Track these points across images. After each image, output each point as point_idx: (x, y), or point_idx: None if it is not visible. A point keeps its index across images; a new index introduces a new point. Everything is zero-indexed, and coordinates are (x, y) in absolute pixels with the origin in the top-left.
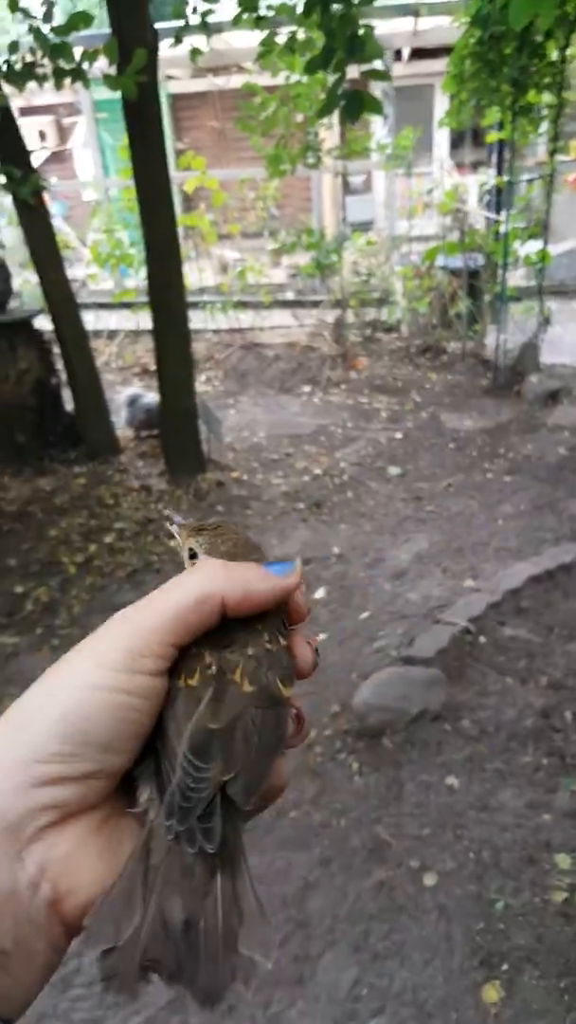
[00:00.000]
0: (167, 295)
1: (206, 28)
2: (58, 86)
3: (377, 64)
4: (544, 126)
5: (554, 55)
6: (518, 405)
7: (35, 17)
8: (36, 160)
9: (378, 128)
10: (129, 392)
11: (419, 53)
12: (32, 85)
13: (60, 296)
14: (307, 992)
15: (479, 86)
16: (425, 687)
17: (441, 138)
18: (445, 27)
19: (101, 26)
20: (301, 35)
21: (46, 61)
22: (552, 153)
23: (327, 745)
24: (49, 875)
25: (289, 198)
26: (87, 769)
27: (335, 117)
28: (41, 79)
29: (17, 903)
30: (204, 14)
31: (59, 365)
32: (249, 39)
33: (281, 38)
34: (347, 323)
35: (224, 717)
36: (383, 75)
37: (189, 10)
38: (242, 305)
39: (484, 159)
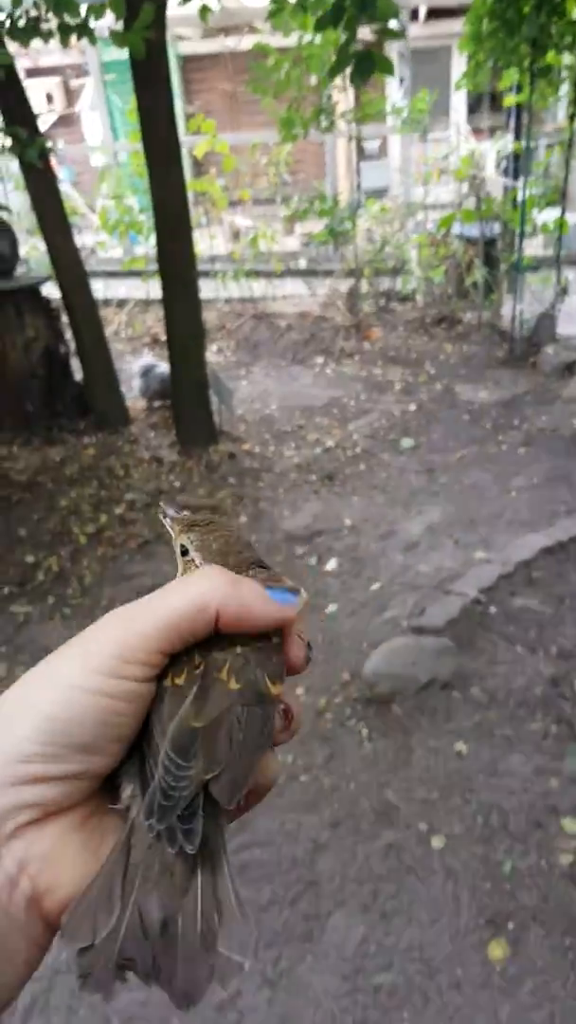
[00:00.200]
0: (177, 262)
1: None
2: (64, 43)
3: (391, 23)
4: (564, 89)
5: (575, 14)
6: (534, 377)
7: None
8: (43, 123)
9: (393, 91)
10: (143, 362)
11: (436, 13)
12: (38, 44)
13: (68, 263)
14: (316, 949)
15: (496, 46)
16: (435, 656)
17: (458, 102)
18: None
19: None
20: None
21: (51, 16)
22: (572, 117)
23: (337, 712)
24: (29, 872)
25: (303, 163)
26: (70, 770)
27: (348, 79)
28: (46, 35)
29: None
30: None
31: (67, 334)
32: None
33: None
34: (361, 293)
35: (208, 715)
36: (397, 34)
37: None
38: (254, 274)
39: (502, 124)
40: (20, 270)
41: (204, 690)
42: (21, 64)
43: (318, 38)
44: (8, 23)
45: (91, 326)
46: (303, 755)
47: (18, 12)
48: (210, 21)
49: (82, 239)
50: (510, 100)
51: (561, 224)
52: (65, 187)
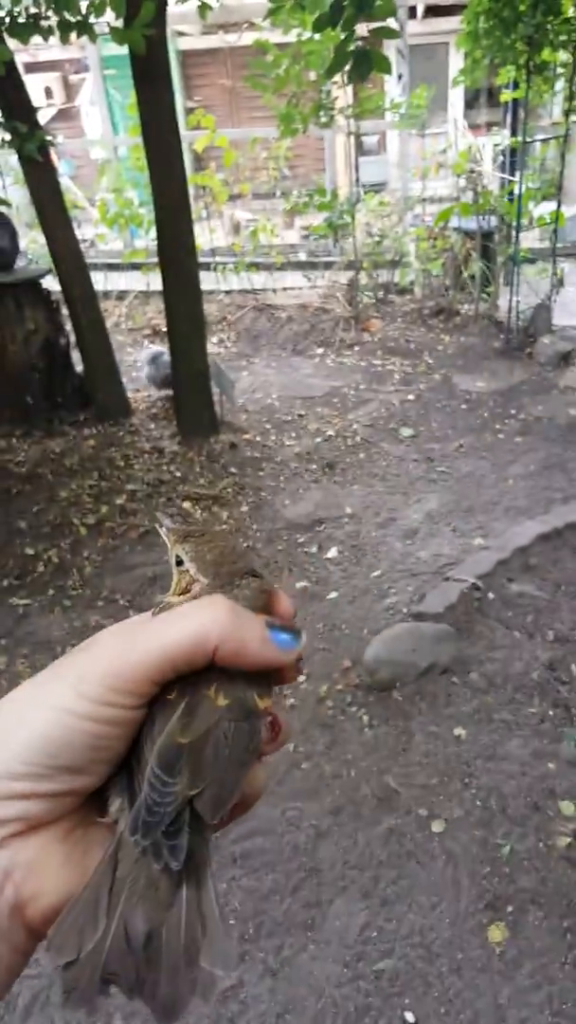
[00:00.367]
0: (178, 254)
1: None
2: (64, 39)
3: (389, 22)
4: (559, 85)
5: (570, 12)
6: (530, 367)
7: None
8: (42, 118)
9: (392, 87)
10: (151, 350)
11: (434, 10)
12: (38, 40)
13: (68, 255)
14: (318, 937)
15: (493, 44)
16: (434, 642)
17: (455, 98)
18: None
19: None
20: None
21: (51, 13)
22: (567, 113)
23: (338, 699)
24: (13, 880)
25: (302, 158)
26: (57, 788)
27: (347, 75)
28: (46, 32)
29: None
30: None
31: (68, 326)
32: None
33: None
34: (360, 285)
35: (195, 731)
36: (393, 33)
37: None
38: (254, 266)
39: (498, 120)
40: (20, 263)
41: (192, 706)
42: (20, 59)
43: (317, 35)
44: (8, 20)
45: (92, 317)
46: (304, 742)
47: (18, 9)
48: (209, 18)
49: (82, 232)
50: (507, 96)
51: (557, 217)
52: (64, 181)
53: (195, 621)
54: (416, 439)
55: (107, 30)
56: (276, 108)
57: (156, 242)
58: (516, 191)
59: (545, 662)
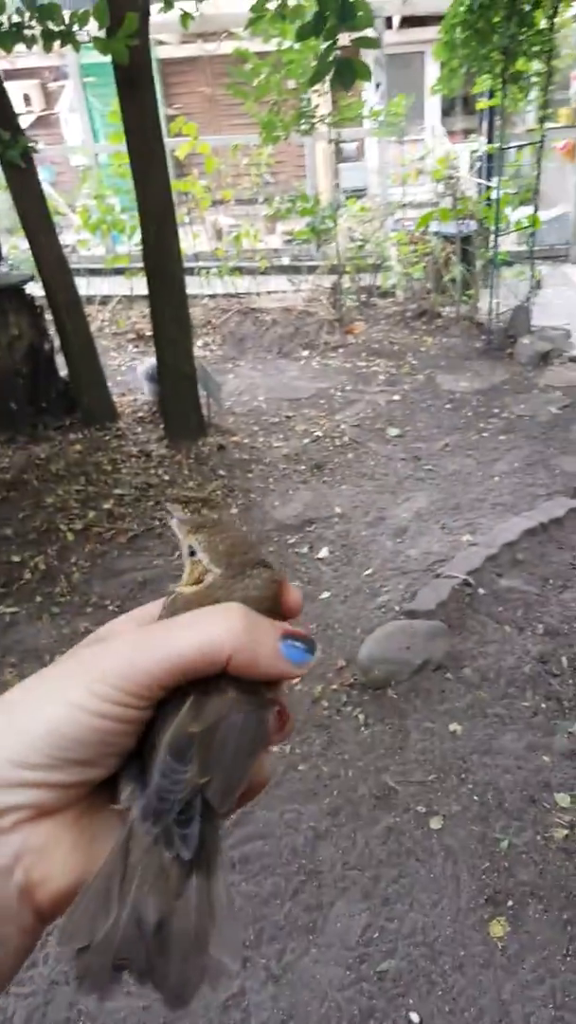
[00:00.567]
0: (163, 259)
1: None
2: (47, 48)
3: (368, 32)
4: (533, 93)
5: (542, 23)
6: (511, 367)
7: None
8: (22, 124)
9: (370, 95)
10: (150, 363)
11: (409, 21)
12: (19, 47)
13: (52, 261)
14: (320, 940)
15: (470, 53)
16: (427, 638)
17: (432, 106)
18: None
19: None
20: (292, 1)
21: (35, 23)
22: (542, 120)
23: (333, 699)
24: (23, 864)
25: (283, 164)
26: (68, 780)
27: (327, 84)
28: (30, 41)
29: None
30: None
31: (52, 331)
32: (238, 3)
33: (272, 4)
34: (343, 288)
35: (205, 721)
36: (373, 43)
37: None
38: (238, 271)
39: (474, 126)
40: (2, 269)
41: (202, 698)
42: (0, 66)
43: (297, 44)
44: None
45: (76, 322)
46: (301, 744)
47: (1, 18)
48: (189, 27)
49: (63, 238)
50: (483, 104)
51: (534, 221)
52: (45, 187)
53: (208, 632)
54: (403, 439)
55: (90, 39)
56: (257, 116)
57: (141, 247)
58: (494, 196)
59: (536, 655)
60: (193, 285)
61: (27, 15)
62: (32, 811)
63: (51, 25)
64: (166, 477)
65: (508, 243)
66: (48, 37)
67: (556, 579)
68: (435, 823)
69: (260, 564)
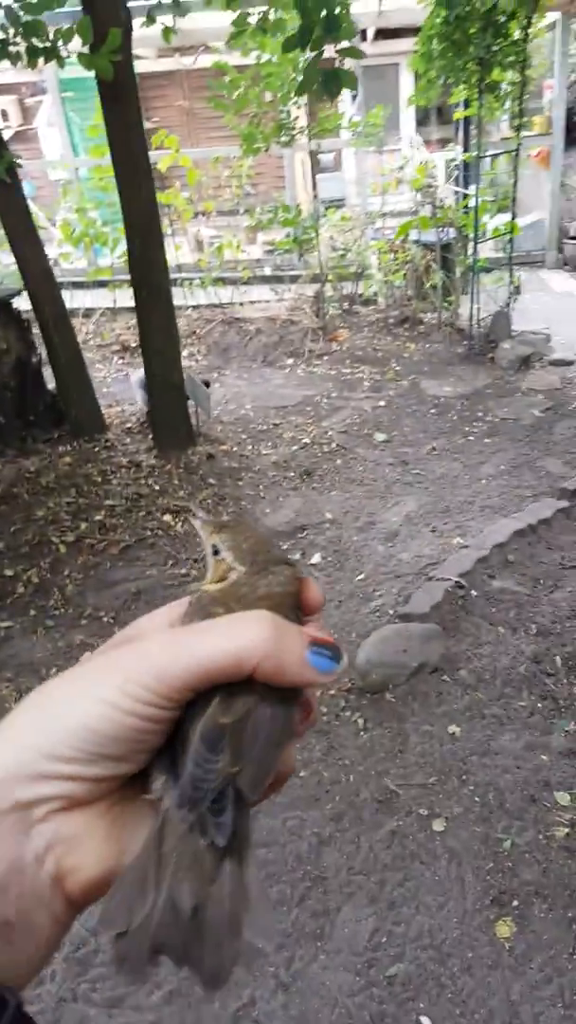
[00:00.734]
0: (149, 270)
1: (178, 7)
2: (31, 65)
3: (350, 43)
4: (508, 103)
5: (516, 34)
6: (493, 371)
7: None
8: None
9: (347, 107)
10: (139, 374)
11: (383, 33)
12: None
13: (38, 274)
14: (328, 946)
15: (447, 64)
16: (423, 641)
17: (408, 116)
18: (409, 7)
19: (71, 4)
20: (273, 15)
21: (20, 39)
22: (517, 129)
23: (332, 705)
24: (55, 852)
25: (262, 176)
26: (100, 774)
27: (304, 96)
28: (15, 58)
29: (22, 876)
30: None
31: (39, 344)
32: (215, 18)
33: (253, 18)
34: (326, 297)
35: (235, 713)
36: (358, 53)
37: None
38: (221, 281)
39: (449, 136)
40: None
41: (231, 691)
42: None
43: (276, 57)
44: None
45: (63, 334)
46: (301, 750)
47: None
48: (170, 41)
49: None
50: (460, 114)
51: (512, 227)
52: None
53: (238, 640)
54: (390, 443)
55: (74, 55)
56: (237, 128)
57: (127, 260)
58: (472, 204)
59: (530, 655)
60: (176, 296)
61: (12, 32)
62: (64, 802)
63: (36, 42)
64: (156, 487)
65: (486, 250)
66: (33, 54)
67: (546, 579)
68: (438, 825)
69: (282, 562)
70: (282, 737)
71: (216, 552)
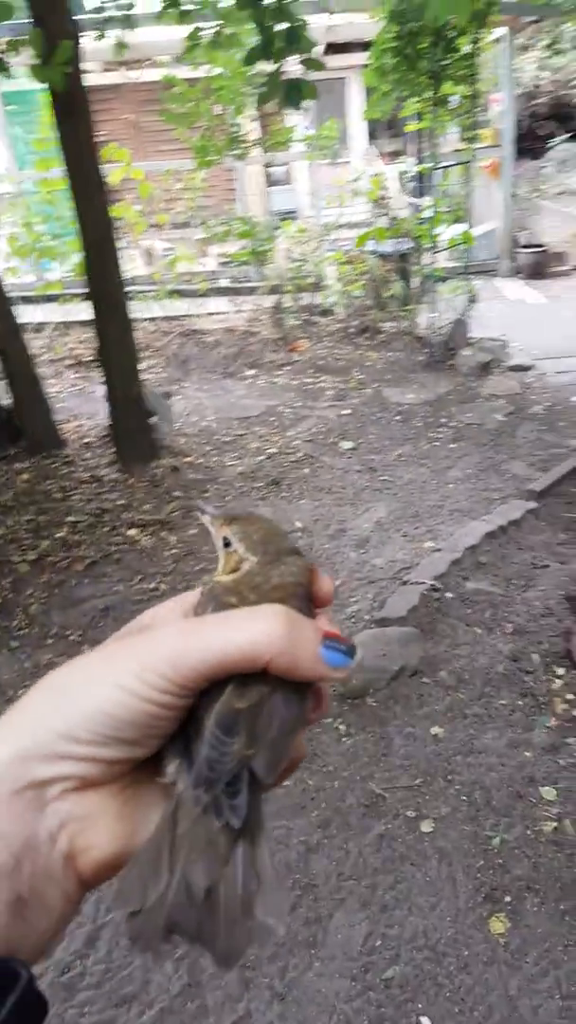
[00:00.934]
0: (105, 283)
1: (129, 22)
2: None
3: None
4: (460, 115)
5: (466, 48)
6: (454, 377)
7: None
8: None
9: (297, 120)
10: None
11: (333, 48)
12: None
13: None
14: (322, 953)
15: (400, 78)
16: (401, 645)
17: (358, 129)
18: (358, 23)
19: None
20: (227, 30)
21: None
22: (469, 140)
23: None
24: (68, 831)
25: (214, 188)
26: (115, 756)
27: (256, 109)
28: None
29: (36, 853)
30: (126, 7)
31: None
32: (161, 32)
33: (205, 33)
34: (285, 307)
35: (249, 699)
36: (319, 64)
37: (111, 4)
38: (176, 293)
39: (399, 148)
40: None
41: (246, 678)
42: None
43: (228, 71)
44: None
45: (16, 349)
46: None
47: None
48: (115, 55)
49: None
50: (412, 127)
51: (467, 237)
52: None
53: (253, 634)
54: (356, 451)
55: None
56: (189, 141)
57: (85, 273)
58: (427, 214)
59: (508, 654)
60: (132, 309)
61: None
62: (78, 782)
63: None
64: (120, 501)
65: (442, 259)
66: None
67: (519, 579)
68: (426, 826)
69: (293, 552)
70: (296, 724)
71: (227, 544)
